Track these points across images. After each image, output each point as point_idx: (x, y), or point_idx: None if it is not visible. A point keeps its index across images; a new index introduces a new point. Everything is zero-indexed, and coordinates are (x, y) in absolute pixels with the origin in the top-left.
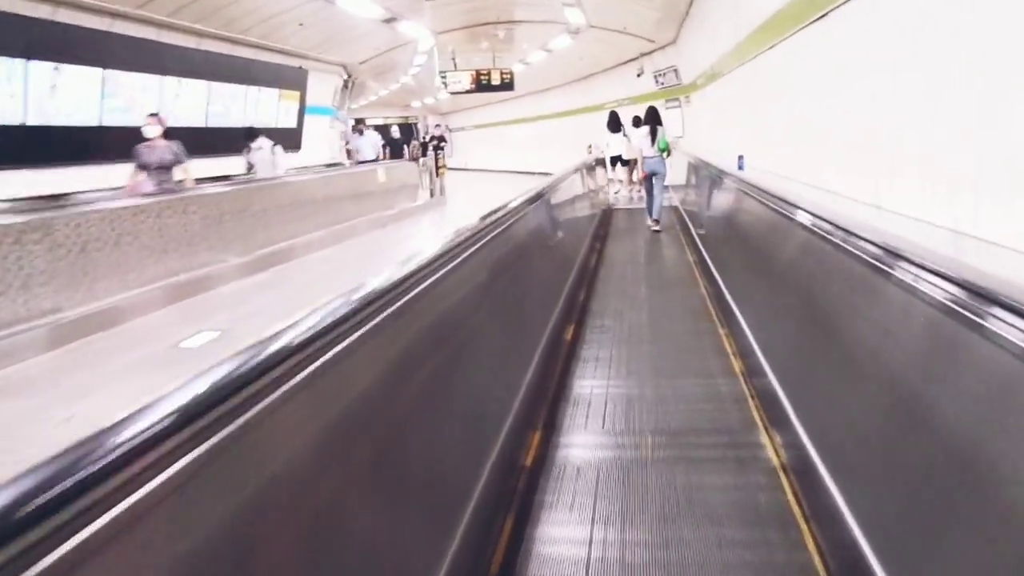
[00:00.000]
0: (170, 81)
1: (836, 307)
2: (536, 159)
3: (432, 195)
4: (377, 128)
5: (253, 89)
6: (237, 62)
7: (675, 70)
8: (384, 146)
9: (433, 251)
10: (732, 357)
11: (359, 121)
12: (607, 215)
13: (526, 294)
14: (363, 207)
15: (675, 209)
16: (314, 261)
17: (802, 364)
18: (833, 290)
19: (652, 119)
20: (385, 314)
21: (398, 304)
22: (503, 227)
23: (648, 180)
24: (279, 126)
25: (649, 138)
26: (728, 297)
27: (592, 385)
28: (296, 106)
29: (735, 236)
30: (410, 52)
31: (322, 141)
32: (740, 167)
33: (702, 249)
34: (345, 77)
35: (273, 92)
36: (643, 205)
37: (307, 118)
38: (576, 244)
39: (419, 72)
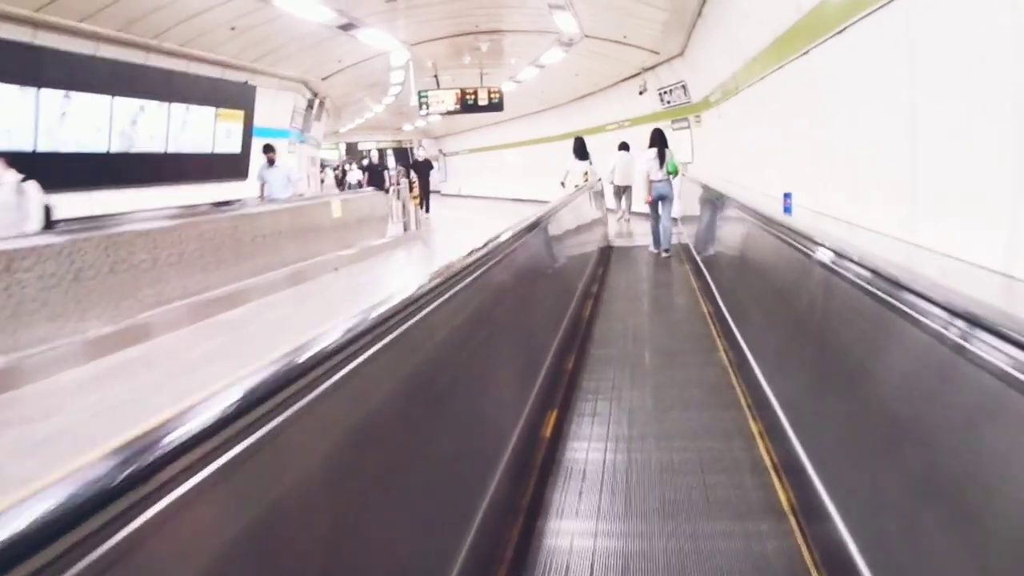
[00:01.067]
0: (50, 96)
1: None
2: (531, 186)
3: (406, 229)
4: (354, 153)
5: (179, 107)
6: (152, 74)
7: (683, 86)
8: (364, 170)
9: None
10: (775, 478)
11: (268, 148)
12: (605, 255)
13: (489, 375)
14: (311, 247)
15: (684, 248)
16: (213, 328)
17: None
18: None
19: (659, 141)
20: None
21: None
22: (468, 279)
23: (655, 205)
24: (216, 151)
25: (657, 160)
26: (759, 377)
27: (573, 536)
28: (240, 127)
29: (768, 293)
30: (382, 68)
31: None
32: (786, 210)
33: (722, 306)
34: (310, 96)
35: (207, 111)
36: (639, 242)
37: (257, 142)
38: (565, 294)
39: (400, 91)
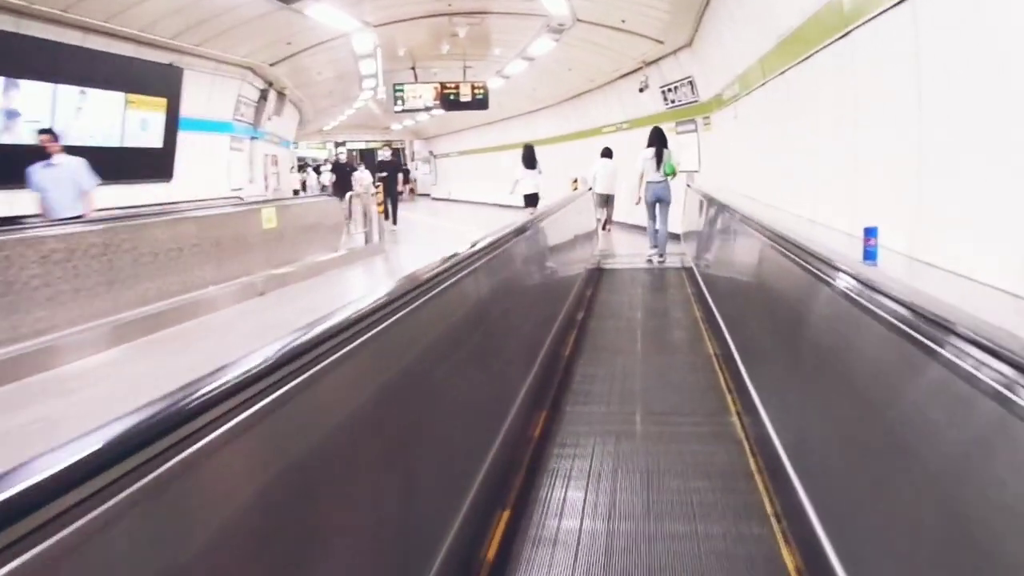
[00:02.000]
0: None
1: None
2: (521, 189)
3: (368, 241)
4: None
5: (69, 90)
6: (29, 46)
7: (690, 82)
8: (334, 170)
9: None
10: None
11: (45, 132)
12: (594, 276)
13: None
14: (231, 266)
15: (688, 274)
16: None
17: None
18: None
19: (658, 140)
20: None
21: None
22: (414, 305)
23: (652, 207)
24: (127, 144)
25: (654, 160)
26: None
27: None
28: (161, 118)
29: (812, 354)
30: (347, 55)
31: (217, 166)
32: (869, 255)
33: (736, 355)
34: (262, 85)
35: (112, 96)
36: (632, 264)
37: (187, 136)
38: (540, 327)
39: (376, 84)
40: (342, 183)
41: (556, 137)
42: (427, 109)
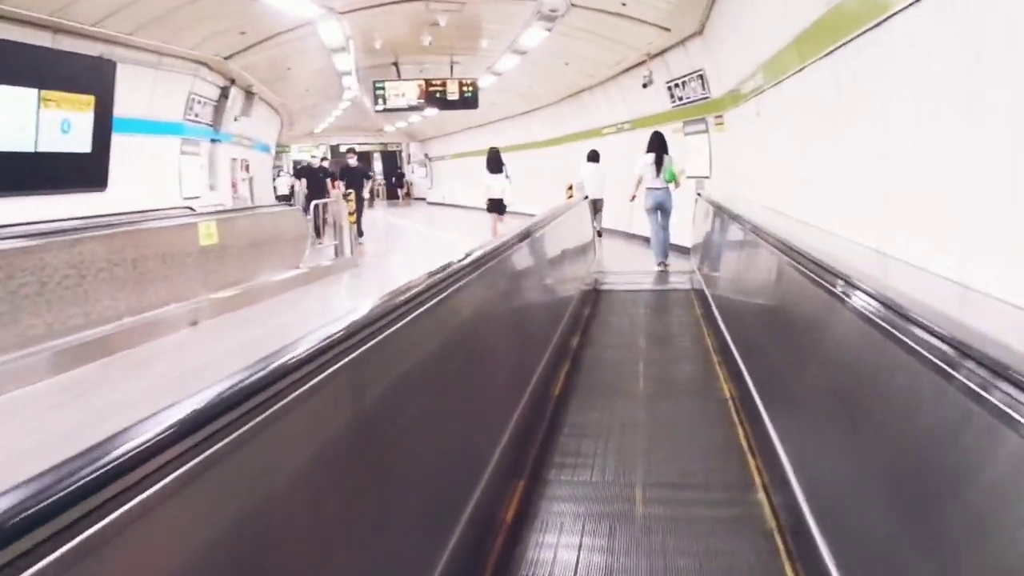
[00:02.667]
0: None
1: None
2: (520, 196)
3: (338, 254)
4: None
5: None
6: None
7: (700, 76)
8: (301, 177)
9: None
10: None
11: None
12: (589, 297)
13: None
14: (156, 293)
15: (699, 296)
16: None
17: None
18: None
19: (659, 146)
20: None
21: None
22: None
23: (654, 215)
24: (43, 149)
25: (654, 167)
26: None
27: None
28: (90, 118)
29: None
30: (316, 47)
31: (166, 173)
32: None
33: (762, 410)
34: (223, 83)
35: (22, 94)
36: (633, 282)
37: (126, 139)
38: (521, 368)
39: (351, 80)
40: (316, 191)
41: (553, 140)
42: (411, 108)
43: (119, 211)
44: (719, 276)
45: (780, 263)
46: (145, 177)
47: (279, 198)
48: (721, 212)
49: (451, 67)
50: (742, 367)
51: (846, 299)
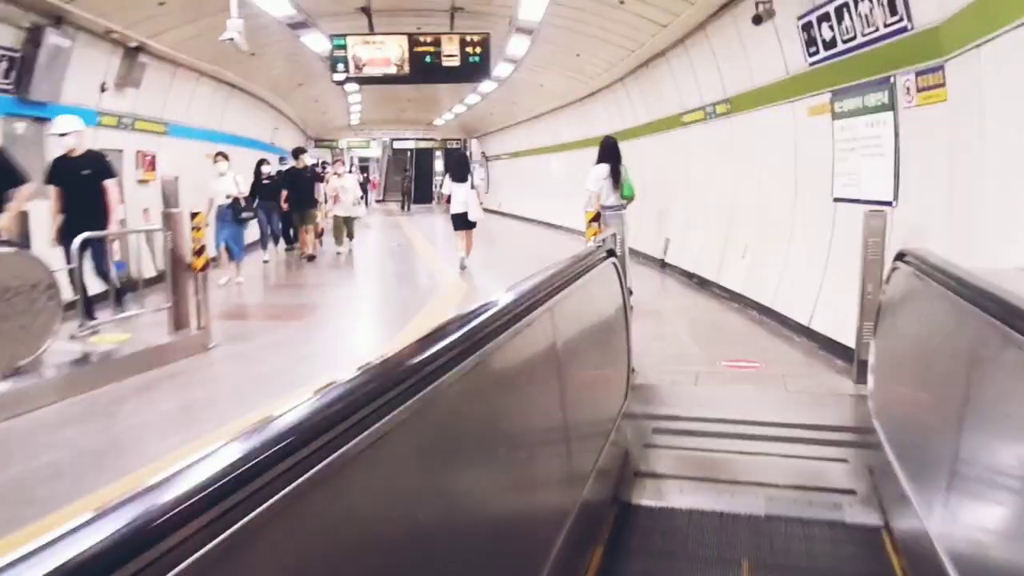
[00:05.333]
0: None
1: None
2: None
3: (181, 326)
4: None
5: None
6: None
7: None
8: (265, 180)
9: None
10: None
11: None
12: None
13: None
14: None
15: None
16: None
17: None
18: None
19: (612, 155)
20: None
21: None
22: None
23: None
24: None
25: (610, 180)
26: None
27: None
28: None
29: None
30: None
31: None
32: None
33: None
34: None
35: None
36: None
37: None
38: None
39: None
40: (301, 198)
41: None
42: (389, 78)
43: None
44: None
45: None
46: None
47: (231, 207)
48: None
49: (451, 15)
50: None
51: None
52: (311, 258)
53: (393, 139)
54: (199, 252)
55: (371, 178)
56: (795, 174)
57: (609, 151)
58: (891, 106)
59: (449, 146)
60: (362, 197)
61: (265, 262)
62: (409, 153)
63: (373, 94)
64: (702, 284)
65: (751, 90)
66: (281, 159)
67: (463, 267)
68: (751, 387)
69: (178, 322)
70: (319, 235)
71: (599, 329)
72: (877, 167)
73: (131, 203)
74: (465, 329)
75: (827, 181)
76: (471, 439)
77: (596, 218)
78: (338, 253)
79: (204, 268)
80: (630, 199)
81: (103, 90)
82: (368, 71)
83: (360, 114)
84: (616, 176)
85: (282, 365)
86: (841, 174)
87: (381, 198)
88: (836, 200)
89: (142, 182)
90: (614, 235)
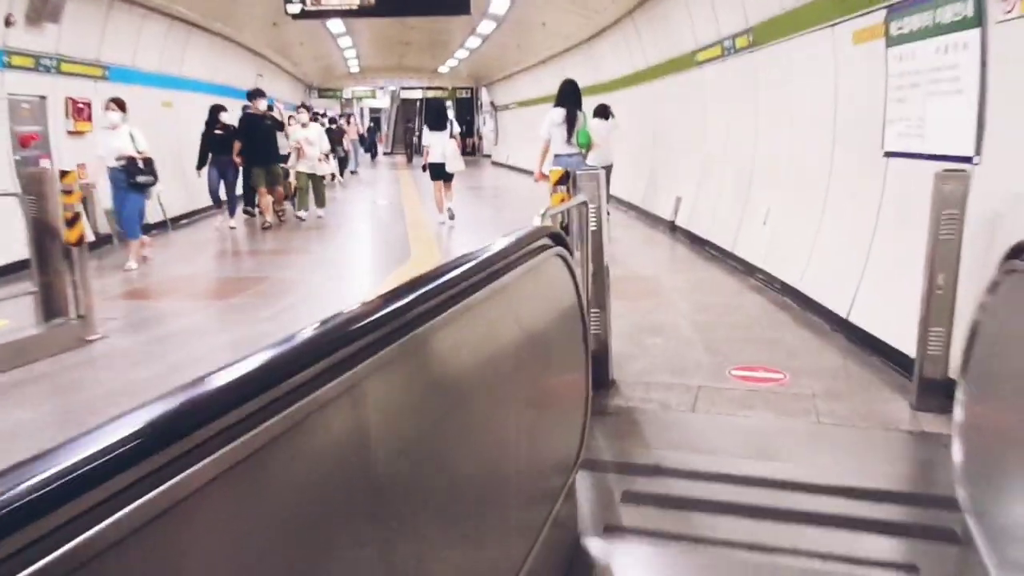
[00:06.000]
0: None
1: None
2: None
3: (52, 316)
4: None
5: None
6: None
7: None
8: (224, 130)
9: None
10: None
11: None
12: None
13: None
14: None
15: None
16: None
17: None
18: None
19: (571, 99)
20: None
21: None
22: None
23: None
24: None
25: (564, 126)
26: None
27: None
28: None
29: None
30: None
31: None
32: None
33: None
34: None
35: None
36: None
37: None
38: None
39: None
40: (254, 151)
41: (623, 78)
42: (351, 12)
43: None
44: None
45: None
46: None
47: (124, 170)
48: None
49: None
50: None
51: None
52: (267, 227)
53: (401, 87)
54: (72, 221)
55: (381, 129)
56: (833, 121)
57: (568, 94)
58: (977, 20)
59: (460, 96)
60: (333, 151)
61: (232, 228)
62: (418, 104)
63: (364, 36)
64: (717, 252)
65: (779, 15)
66: (269, 108)
67: (451, 217)
68: (770, 416)
69: (49, 310)
70: (286, 198)
71: (529, 363)
72: (952, 109)
73: (61, 158)
74: None
75: (876, 130)
76: None
77: (564, 180)
78: (299, 218)
79: (79, 242)
80: (585, 147)
81: (8, 24)
82: (328, 3)
83: (357, 60)
84: (571, 123)
85: (176, 362)
86: (896, 120)
87: (389, 151)
88: (888, 154)
89: (74, 133)
90: (583, 205)
